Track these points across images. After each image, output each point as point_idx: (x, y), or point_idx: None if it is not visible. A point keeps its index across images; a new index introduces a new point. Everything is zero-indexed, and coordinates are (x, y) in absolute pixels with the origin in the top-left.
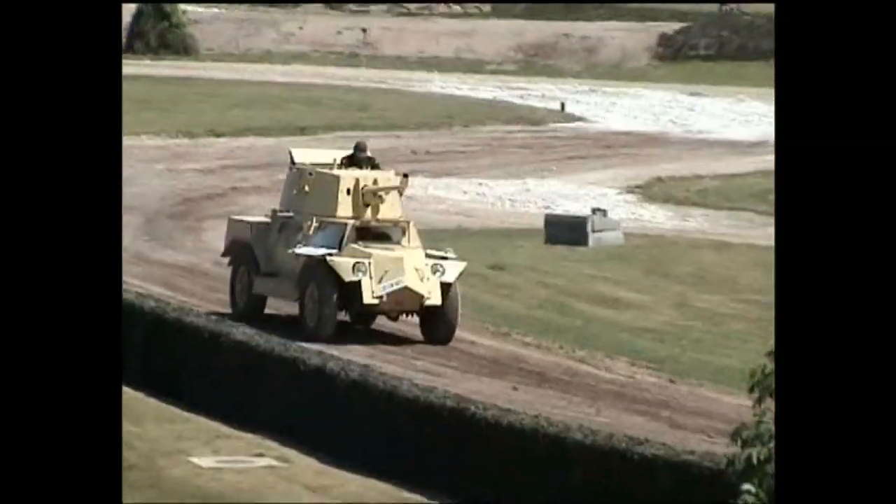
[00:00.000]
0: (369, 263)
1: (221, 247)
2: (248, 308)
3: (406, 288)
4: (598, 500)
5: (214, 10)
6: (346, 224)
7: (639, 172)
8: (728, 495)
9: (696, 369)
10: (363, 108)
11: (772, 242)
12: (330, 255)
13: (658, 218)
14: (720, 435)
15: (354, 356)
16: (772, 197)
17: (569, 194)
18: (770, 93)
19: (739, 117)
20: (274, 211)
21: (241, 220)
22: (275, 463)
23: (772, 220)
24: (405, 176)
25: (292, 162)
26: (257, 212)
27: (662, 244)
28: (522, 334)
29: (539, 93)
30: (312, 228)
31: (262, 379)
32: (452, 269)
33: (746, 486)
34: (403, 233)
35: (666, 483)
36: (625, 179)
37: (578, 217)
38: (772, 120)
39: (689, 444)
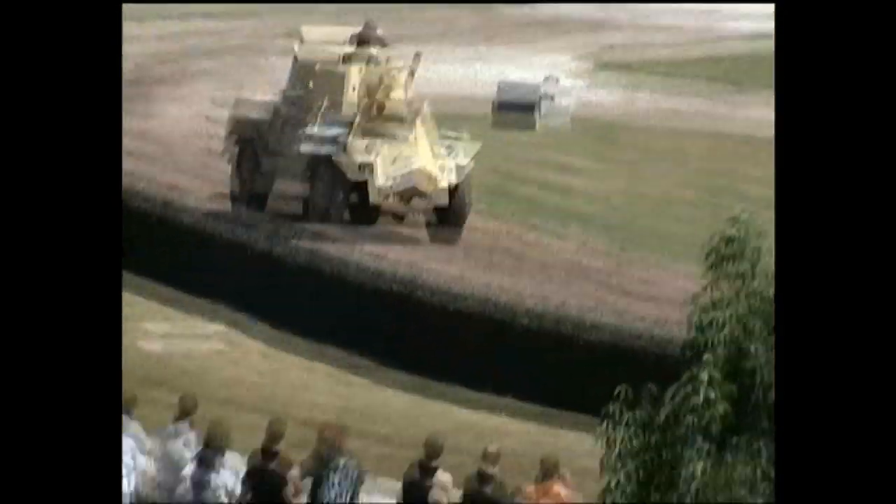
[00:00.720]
0: (375, 160)
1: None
2: (253, 191)
3: (418, 169)
4: (544, 382)
5: None
6: (352, 122)
7: (590, 42)
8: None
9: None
10: None
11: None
12: (335, 153)
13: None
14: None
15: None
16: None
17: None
18: None
19: None
20: (283, 91)
21: (251, 101)
22: (223, 347)
23: (725, 89)
24: (417, 55)
25: (301, 41)
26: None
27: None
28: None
29: None
30: (320, 115)
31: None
32: (467, 149)
33: (706, 356)
34: (417, 114)
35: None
36: (576, 49)
37: (531, 86)
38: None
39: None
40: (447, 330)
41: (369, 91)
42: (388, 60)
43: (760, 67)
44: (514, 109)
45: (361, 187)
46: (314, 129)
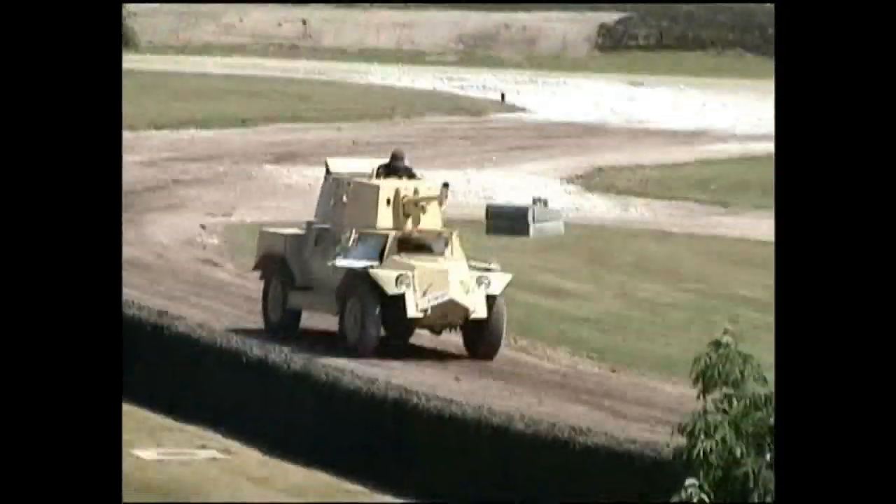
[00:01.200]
0: (413, 276)
1: (164, 240)
2: (283, 322)
3: (451, 300)
4: (540, 491)
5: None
6: (387, 235)
7: (580, 162)
8: (670, 486)
9: (637, 359)
10: (304, 99)
11: (711, 231)
12: (371, 267)
13: (599, 208)
14: (661, 424)
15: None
16: (713, 186)
17: (510, 185)
18: (707, 82)
19: (679, 106)
20: (309, 223)
21: (275, 232)
22: (218, 455)
23: (713, 210)
24: (445, 185)
25: (328, 172)
26: (198, 204)
27: (603, 234)
28: None
29: (479, 84)
30: (352, 240)
31: (204, 371)
32: (498, 282)
33: (691, 481)
34: (446, 244)
35: (607, 474)
36: (566, 170)
37: (520, 207)
38: (710, 109)
39: (631, 434)
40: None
41: (405, 205)
42: (416, 192)
43: (748, 189)
44: (507, 217)
45: (395, 302)
46: (348, 244)
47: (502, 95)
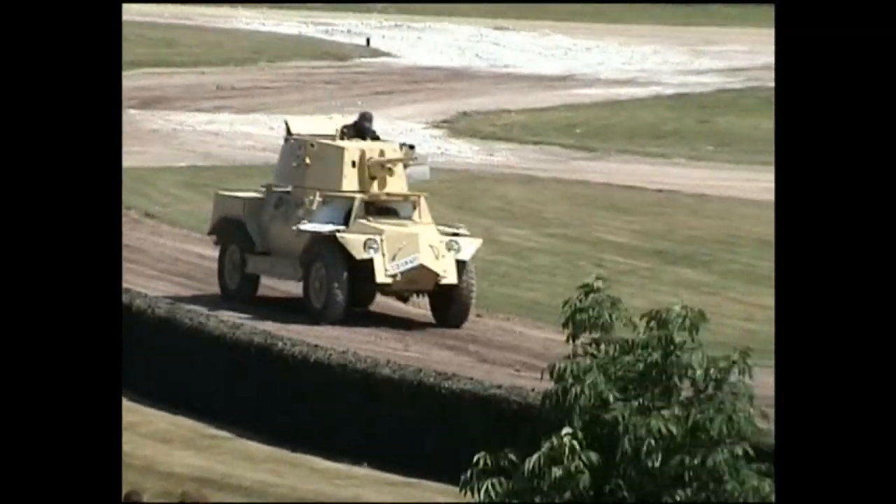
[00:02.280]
0: (381, 240)
1: None
2: (241, 289)
3: (421, 266)
4: (406, 436)
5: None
6: (353, 198)
7: (445, 107)
8: (537, 431)
9: (503, 303)
10: (168, 44)
11: (576, 176)
12: (337, 231)
13: (465, 153)
14: (527, 369)
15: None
16: (578, 131)
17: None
18: (572, 27)
19: (544, 51)
20: (268, 185)
21: (232, 196)
22: None
23: (578, 154)
24: (411, 147)
25: (288, 132)
26: None
27: (469, 179)
28: None
29: (345, 28)
30: (316, 203)
31: None
32: (468, 247)
33: (567, 430)
34: (414, 207)
35: (474, 419)
36: (431, 114)
37: None
38: (575, 55)
39: (497, 379)
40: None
41: (371, 168)
42: (381, 153)
43: (613, 134)
44: None
45: (362, 267)
46: (312, 208)
47: (367, 40)
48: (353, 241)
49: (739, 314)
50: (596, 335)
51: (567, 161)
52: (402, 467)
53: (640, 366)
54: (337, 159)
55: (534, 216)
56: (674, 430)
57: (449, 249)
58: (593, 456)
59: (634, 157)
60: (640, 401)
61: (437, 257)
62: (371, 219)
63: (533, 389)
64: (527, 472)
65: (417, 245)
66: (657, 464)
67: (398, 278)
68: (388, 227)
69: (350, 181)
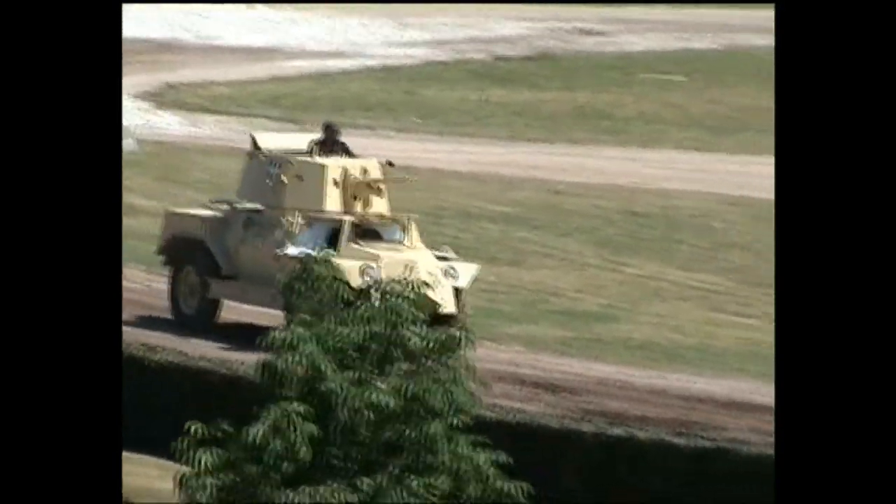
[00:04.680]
0: (378, 267)
1: None
2: (200, 315)
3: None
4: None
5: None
6: (340, 220)
7: (151, 80)
8: (245, 402)
9: None
10: None
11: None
12: (322, 256)
13: (172, 125)
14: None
15: None
16: (285, 103)
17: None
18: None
19: (251, 24)
20: (230, 204)
21: (188, 214)
22: None
23: (285, 127)
24: (390, 164)
25: (256, 148)
26: None
27: (176, 151)
28: None
29: None
30: (297, 225)
31: None
32: (465, 273)
33: (285, 402)
34: (404, 230)
35: (180, 392)
36: (137, 87)
37: None
38: (282, 27)
39: (205, 353)
40: None
41: (355, 187)
42: (365, 171)
43: (319, 106)
44: None
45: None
46: (294, 230)
47: None
48: (349, 267)
49: None
50: (315, 305)
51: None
52: None
53: (358, 337)
54: (318, 178)
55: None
56: (390, 401)
57: (446, 276)
58: (312, 427)
59: (342, 129)
60: (358, 373)
61: (434, 285)
62: (361, 242)
63: (242, 363)
64: (247, 442)
65: (417, 272)
66: (372, 435)
67: None
68: (383, 252)
69: (333, 201)
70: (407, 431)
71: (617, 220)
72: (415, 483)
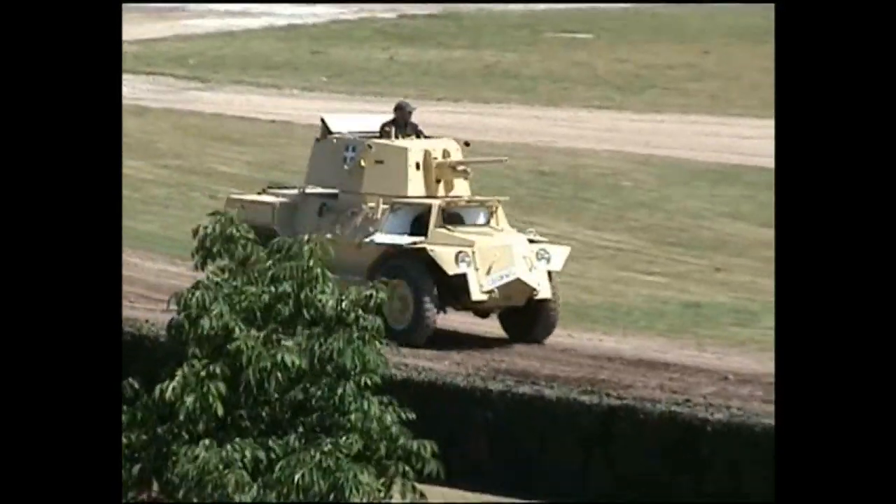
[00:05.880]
0: (473, 252)
1: None
2: None
3: (518, 280)
4: None
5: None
6: (428, 205)
7: None
8: (152, 361)
9: None
10: None
11: (189, 107)
12: (419, 243)
13: None
14: (143, 300)
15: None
16: (191, 62)
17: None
18: None
19: None
20: (301, 189)
21: (255, 200)
22: None
23: (191, 85)
24: (466, 144)
25: (327, 131)
26: None
27: None
28: None
29: None
30: (381, 211)
31: None
32: (558, 256)
33: (195, 360)
34: (491, 213)
35: None
36: None
37: None
38: None
39: None
40: None
41: (438, 170)
42: (446, 153)
43: (225, 64)
44: None
45: (452, 284)
46: (377, 216)
47: None
48: (444, 253)
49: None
50: (226, 263)
51: (180, 92)
52: None
53: (267, 297)
54: (400, 161)
55: (147, 148)
56: (299, 361)
57: (539, 259)
58: (221, 386)
59: (248, 87)
60: (266, 332)
61: (530, 269)
62: (450, 228)
63: (147, 321)
64: (157, 400)
65: (512, 257)
66: (281, 395)
67: (494, 294)
68: (477, 237)
69: (416, 185)
70: (317, 391)
71: (526, 179)
72: (324, 443)
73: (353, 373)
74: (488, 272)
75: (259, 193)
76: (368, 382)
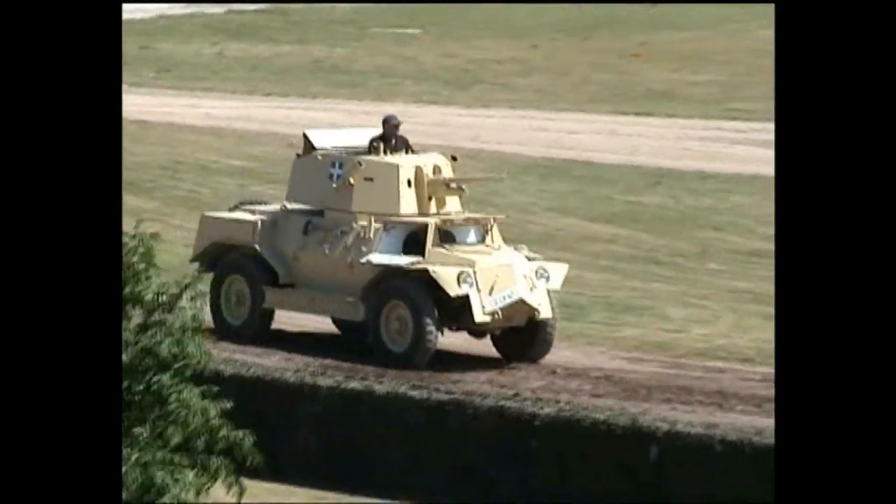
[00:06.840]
0: (475, 272)
1: None
2: (249, 324)
3: (520, 300)
4: None
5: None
6: (425, 223)
7: None
8: None
9: None
10: None
11: None
12: (418, 263)
13: None
14: None
15: None
16: None
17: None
18: None
19: None
20: (283, 206)
21: (233, 219)
22: None
23: None
24: (453, 158)
25: (310, 147)
26: None
27: None
28: None
29: None
30: (372, 230)
31: None
32: (557, 274)
33: None
34: (486, 231)
35: None
36: None
37: None
38: None
39: None
40: None
41: (431, 187)
42: (437, 169)
43: None
44: None
45: (452, 305)
46: (370, 235)
47: None
48: (446, 274)
49: (182, 240)
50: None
51: None
52: None
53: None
54: (391, 179)
55: None
56: (122, 357)
57: (539, 278)
58: None
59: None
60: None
61: (531, 289)
62: (447, 247)
63: None
64: None
65: (513, 276)
66: None
67: (497, 316)
68: (476, 256)
69: (408, 203)
70: (135, 385)
71: None
72: (143, 435)
73: (171, 363)
74: (490, 293)
75: (231, 210)
76: (188, 373)
